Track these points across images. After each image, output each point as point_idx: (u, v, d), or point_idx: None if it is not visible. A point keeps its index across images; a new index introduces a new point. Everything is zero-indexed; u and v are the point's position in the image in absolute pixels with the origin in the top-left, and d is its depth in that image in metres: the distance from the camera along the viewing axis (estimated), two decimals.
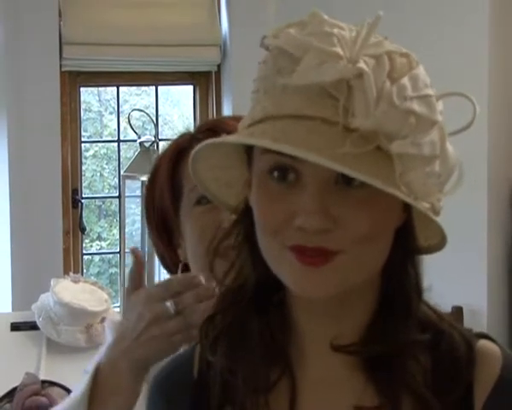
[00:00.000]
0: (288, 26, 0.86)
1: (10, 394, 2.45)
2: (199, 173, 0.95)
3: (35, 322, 2.81)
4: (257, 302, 0.93)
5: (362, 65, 0.80)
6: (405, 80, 0.81)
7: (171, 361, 1.04)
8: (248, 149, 0.90)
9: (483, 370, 0.91)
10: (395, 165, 0.80)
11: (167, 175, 1.39)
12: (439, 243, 0.91)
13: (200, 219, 1.35)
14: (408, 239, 0.89)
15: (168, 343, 1.20)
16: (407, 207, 0.87)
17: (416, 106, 0.81)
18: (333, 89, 0.81)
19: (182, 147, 1.39)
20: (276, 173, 0.85)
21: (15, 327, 2.85)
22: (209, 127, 1.39)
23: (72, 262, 4.11)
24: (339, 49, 0.81)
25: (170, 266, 1.46)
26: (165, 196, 1.39)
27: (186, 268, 1.40)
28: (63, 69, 4.04)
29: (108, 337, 1.37)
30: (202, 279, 1.21)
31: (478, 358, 0.91)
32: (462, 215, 2.84)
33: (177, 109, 5.22)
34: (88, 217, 4.29)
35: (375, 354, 0.90)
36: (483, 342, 0.93)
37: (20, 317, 2.91)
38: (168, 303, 1.21)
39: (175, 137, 1.50)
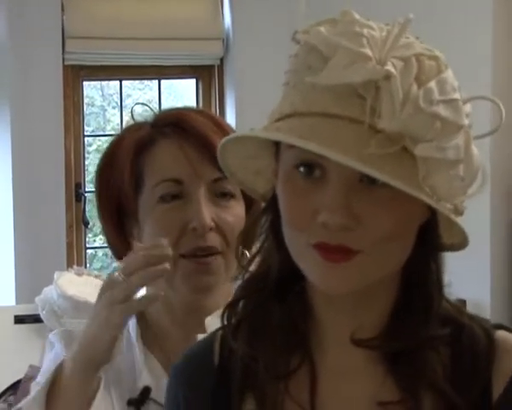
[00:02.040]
0: (319, 24, 0.86)
1: (14, 386, 2.46)
2: (226, 160, 0.96)
3: (39, 315, 2.81)
4: (279, 290, 0.94)
5: (390, 67, 0.80)
6: (432, 84, 0.82)
7: (192, 349, 1.04)
8: (277, 141, 0.90)
9: (501, 361, 0.92)
10: (419, 167, 0.81)
11: (129, 166, 1.33)
12: (462, 242, 0.91)
13: (163, 218, 1.31)
14: (431, 236, 0.90)
15: (107, 314, 1.18)
16: (431, 205, 0.87)
17: (442, 110, 0.81)
18: (361, 89, 0.82)
19: (143, 140, 1.34)
20: (302, 169, 0.86)
21: (19, 320, 2.86)
22: (175, 122, 1.34)
23: (76, 256, 4.13)
24: (368, 50, 0.82)
25: (121, 256, 1.38)
26: (125, 185, 1.33)
27: None
28: (66, 63, 4.06)
29: (57, 347, 1.37)
30: (164, 242, 1.19)
31: (496, 350, 0.92)
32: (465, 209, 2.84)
33: (179, 103, 5.22)
34: (91, 211, 4.29)
35: (395, 350, 0.91)
36: (501, 333, 0.94)
37: (23, 310, 2.92)
38: (116, 273, 1.19)
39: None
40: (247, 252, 1.33)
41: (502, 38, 3.44)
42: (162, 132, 1.33)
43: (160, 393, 1.29)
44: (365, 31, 0.84)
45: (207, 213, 1.29)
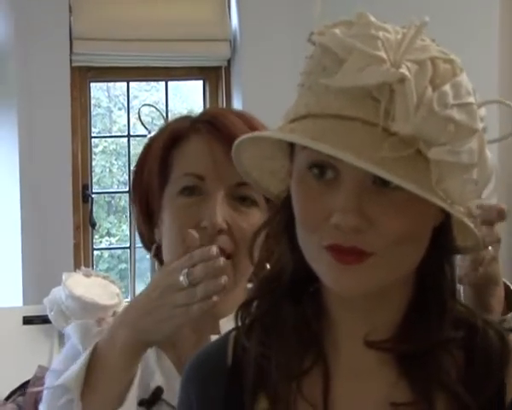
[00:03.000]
0: (334, 25, 0.87)
1: (23, 387, 2.46)
2: (241, 160, 0.96)
3: (47, 316, 2.83)
4: (293, 291, 0.95)
5: (404, 70, 0.81)
6: (447, 87, 0.82)
7: (205, 349, 1.05)
8: (292, 142, 0.91)
9: None
10: (432, 171, 0.81)
11: (159, 157, 1.35)
12: (475, 245, 0.91)
13: (180, 211, 1.32)
14: (445, 238, 0.90)
15: (170, 315, 1.19)
16: (445, 209, 0.87)
17: (456, 114, 0.81)
18: (375, 91, 0.82)
19: (178, 132, 1.36)
20: (315, 170, 0.86)
21: (28, 321, 2.87)
22: (209, 119, 1.35)
23: (83, 257, 4.13)
24: (382, 53, 0.82)
25: (147, 244, 1.44)
26: (153, 176, 1.36)
27: (158, 251, 1.39)
28: (73, 64, 4.06)
29: (74, 339, 1.37)
30: (214, 250, 1.20)
31: (510, 352, 0.92)
32: None
33: (186, 104, 5.23)
34: (97, 213, 4.31)
35: (408, 352, 0.91)
36: None
37: (32, 311, 2.93)
38: (182, 275, 1.20)
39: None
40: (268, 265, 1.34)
41: (509, 39, 3.44)
42: (195, 128, 1.35)
43: (171, 394, 1.30)
44: (380, 33, 0.84)
45: (221, 213, 1.29)
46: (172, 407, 1.29)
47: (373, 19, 0.85)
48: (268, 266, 1.00)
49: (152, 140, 1.41)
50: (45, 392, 1.33)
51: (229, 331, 1.02)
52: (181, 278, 1.19)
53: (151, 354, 1.34)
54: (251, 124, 1.35)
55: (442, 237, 0.90)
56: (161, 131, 1.41)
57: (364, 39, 0.83)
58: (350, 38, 0.84)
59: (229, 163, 1.27)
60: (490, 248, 1.28)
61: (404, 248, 0.85)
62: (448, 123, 0.81)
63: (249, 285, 1.41)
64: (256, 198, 1.32)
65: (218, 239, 1.29)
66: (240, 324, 0.99)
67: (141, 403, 1.30)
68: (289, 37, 4.05)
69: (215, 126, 1.33)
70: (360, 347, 0.93)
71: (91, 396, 1.22)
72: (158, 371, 1.34)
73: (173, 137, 1.35)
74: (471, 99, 0.83)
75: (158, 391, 1.31)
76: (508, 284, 1.40)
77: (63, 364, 1.35)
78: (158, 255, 1.40)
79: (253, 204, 1.32)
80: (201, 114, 1.40)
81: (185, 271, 1.19)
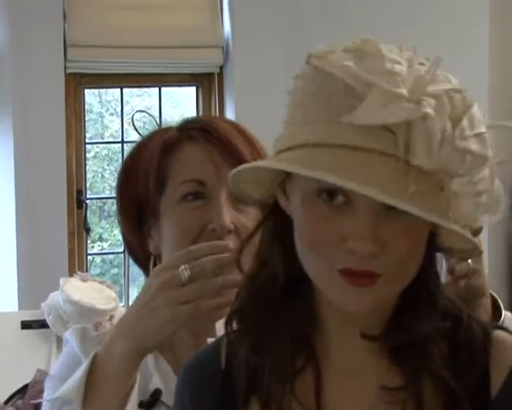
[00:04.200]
0: (332, 51, 0.87)
1: (22, 390, 2.49)
2: (237, 181, 0.96)
3: (45, 320, 2.85)
4: (284, 293, 0.96)
5: (428, 109, 0.82)
6: (465, 121, 0.83)
7: (199, 353, 1.06)
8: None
9: (499, 358, 0.95)
10: (452, 200, 0.84)
11: (155, 165, 1.36)
12: (472, 250, 0.93)
13: (184, 217, 1.33)
14: (432, 239, 0.92)
15: (171, 314, 1.17)
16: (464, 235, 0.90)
17: (472, 145, 0.84)
18: (392, 124, 0.83)
19: (170, 141, 1.37)
20: (324, 194, 0.87)
21: (26, 325, 2.89)
22: (202, 127, 1.37)
23: (77, 262, 4.14)
24: (403, 90, 0.83)
25: (138, 256, 1.43)
26: (149, 185, 1.36)
27: (146, 261, 1.40)
28: (68, 71, 4.07)
29: (72, 344, 1.37)
30: (231, 244, 1.20)
31: (494, 346, 0.95)
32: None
33: (179, 110, 5.25)
34: (89, 218, 4.31)
35: (400, 344, 0.93)
36: (499, 332, 0.97)
37: (30, 315, 2.95)
38: (181, 268, 1.19)
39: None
40: None
41: (498, 37, 3.46)
42: (189, 135, 1.36)
43: (170, 396, 1.28)
44: (396, 67, 0.84)
45: (228, 215, 1.31)
46: (171, 409, 1.29)
47: (382, 47, 0.86)
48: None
49: (138, 152, 1.41)
50: (45, 404, 1.33)
51: (223, 335, 1.03)
52: (181, 273, 1.18)
53: (149, 356, 1.34)
54: (240, 129, 1.38)
55: (432, 241, 0.92)
56: (146, 141, 1.41)
57: (382, 75, 0.84)
58: (367, 73, 0.84)
59: (227, 166, 1.30)
60: (469, 261, 1.29)
61: (406, 266, 0.89)
62: (466, 154, 0.83)
63: None
64: None
65: (227, 240, 1.29)
66: (230, 330, 1.00)
67: (140, 405, 1.31)
68: (282, 43, 4.09)
69: (209, 133, 1.35)
70: (351, 344, 0.95)
71: (92, 407, 1.22)
72: (156, 374, 1.35)
73: (166, 147, 1.36)
74: (483, 128, 0.85)
75: (156, 393, 1.32)
76: (494, 295, 1.41)
77: (62, 370, 1.36)
78: (145, 265, 1.41)
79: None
80: (189, 122, 1.41)
81: (184, 266, 1.18)
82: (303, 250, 0.91)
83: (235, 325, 1.00)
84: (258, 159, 1.31)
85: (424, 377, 0.93)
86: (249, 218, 1.33)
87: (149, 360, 1.35)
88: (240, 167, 0.93)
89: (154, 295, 1.19)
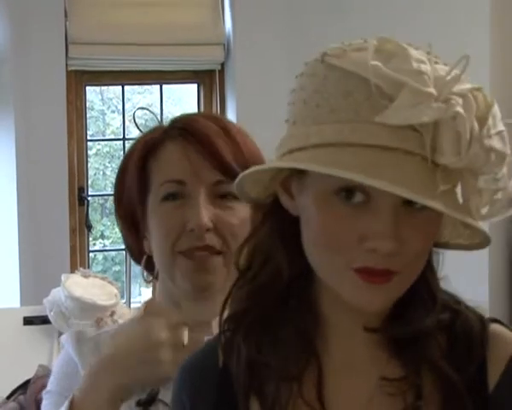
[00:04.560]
0: (352, 48, 0.87)
1: (24, 386, 2.49)
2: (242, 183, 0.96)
3: (47, 316, 2.87)
4: (285, 291, 0.96)
5: (458, 108, 0.82)
6: (490, 120, 0.84)
7: (197, 352, 1.06)
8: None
9: (496, 351, 0.96)
10: (477, 198, 0.85)
11: (136, 168, 1.37)
12: (482, 242, 0.94)
13: (165, 217, 1.34)
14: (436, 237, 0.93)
15: (174, 372, 1.17)
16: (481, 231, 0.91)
17: (496, 143, 0.85)
18: (420, 124, 0.84)
19: (152, 142, 1.38)
20: (343, 193, 0.87)
21: (28, 321, 2.91)
22: (182, 126, 1.37)
23: (79, 259, 4.16)
24: (432, 89, 0.83)
25: (136, 257, 1.45)
26: (133, 189, 1.38)
27: (149, 261, 1.41)
28: (69, 68, 4.08)
29: (68, 348, 1.39)
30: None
31: (491, 339, 0.96)
32: None
33: (180, 108, 5.25)
34: (91, 215, 4.32)
35: (400, 336, 0.94)
36: (496, 326, 0.98)
37: (32, 311, 2.97)
38: (185, 332, 1.25)
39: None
40: None
41: (499, 37, 3.47)
42: (169, 135, 1.37)
43: (168, 393, 1.28)
44: (423, 67, 0.84)
45: (205, 214, 1.31)
46: (169, 407, 1.28)
47: (405, 46, 0.86)
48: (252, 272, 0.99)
49: (128, 154, 1.42)
50: None
51: (219, 333, 1.02)
52: (184, 336, 1.24)
53: None
54: (223, 125, 1.38)
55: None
56: (135, 143, 1.42)
57: (411, 75, 0.84)
58: (396, 73, 0.84)
59: (205, 164, 1.32)
60: None
61: (419, 262, 0.90)
62: (491, 153, 0.84)
63: None
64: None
65: (206, 237, 1.31)
66: (226, 328, 1.00)
67: (138, 404, 1.32)
68: (283, 40, 4.09)
69: (187, 131, 1.35)
70: (352, 340, 0.96)
71: None
72: None
73: (148, 148, 1.37)
74: (502, 126, 0.86)
75: (154, 392, 1.32)
76: None
77: (60, 383, 1.37)
78: (148, 266, 1.42)
79: (235, 199, 1.32)
80: (174, 122, 1.41)
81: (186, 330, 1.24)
82: (316, 249, 0.91)
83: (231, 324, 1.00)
84: (241, 157, 1.32)
85: (423, 369, 0.94)
86: (231, 214, 1.33)
87: None
88: (254, 168, 0.93)
89: (161, 349, 1.24)
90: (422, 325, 0.94)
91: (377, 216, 0.86)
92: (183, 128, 1.36)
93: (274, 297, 0.97)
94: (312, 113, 0.88)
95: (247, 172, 0.93)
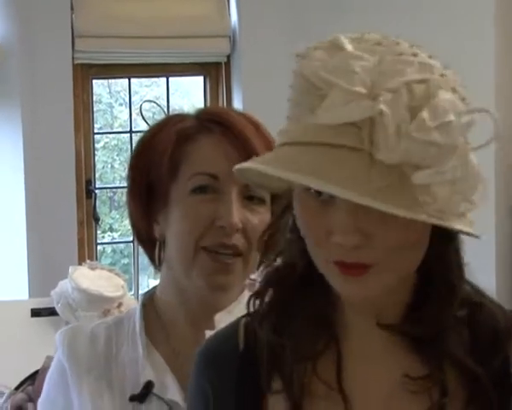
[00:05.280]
0: (316, 48, 0.89)
1: (32, 377, 2.51)
2: (243, 172, 0.98)
3: (54, 308, 2.87)
4: (303, 277, 0.98)
5: (382, 105, 0.83)
6: (425, 113, 0.83)
7: (217, 335, 1.08)
8: None
9: None
10: (418, 193, 0.83)
11: (170, 151, 1.35)
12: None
13: (193, 209, 1.32)
14: (444, 229, 0.91)
15: None
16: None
17: (436, 136, 0.83)
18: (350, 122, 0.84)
19: (186, 131, 1.36)
20: (312, 190, 0.89)
21: (35, 313, 2.92)
22: (220, 120, 1.36)
23: (87, 252, 4.18)
24: (361, 88, 0.84)
25: (143, 239, 1.43)
26: (163, 169, 1.35)
27: (152, 245, 1.40)
28: (76, 62, 4.09)
29: (59, 352, 1.39)
30: None
31: None
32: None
33: (187, 100, 5.27)
34: (99, 208, 4.34)
35: (419, 335, 0.94)
36: None
37: (39, 303, 2.97)
38: None
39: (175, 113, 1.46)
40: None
41: (504, 39, 3.46)
42: (206, 127, 1.35)
43: (163, 388, 1.33)
44: (357, 66, 0.85)
45: (237, 213, 1.31)
46: (163, 401, 1.32)
47: (349, 46, 0.87)
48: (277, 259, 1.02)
49: (153, 135, 1.40)
50: None
51: (239, 318, 1.04)
52: None
53: (141, 351, 1.36)
54: (256, 125, 1.38)
55: (441, 229, 0.91)
56: (163, 125, 1.40)
57: (343, 74, 0.85)
58: (328, 74, 0.86)
59: (241, 162, 1.33)
60: None
61: (404, 253, 0.89)
62: (429, 147, 0.83)
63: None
64: (264, 196, 1.34)
65: (233, 237, 1.31)
66: (252, 311, 1.02)
67: (132, 399, 1.32)
68: (288, 32, 4.09)
69: (225, 127, 1.34)
70: (370, 330, 0.96)
71: None
72: (148, 366, 1.35)
73: (182, 136, 1.36)
74: (449, 117, 0.84)
75: (148, 385, 1.33)
76: None
77: (49, 396, 1.39)
78: (152, 250, 1.41)
79: (261, 202, 1.34)
80: (206, 114, 1.40)
81: None
82: (306, 242, 0.93)
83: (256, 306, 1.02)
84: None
85: (446, 365, 0.94)
86: (258, 217, 1.33)
87: (140, 354, 1.36)
88: (238, 166, 0.95)
89: None
90: (440, 324, 0.94)
91: (339, 211, 0.87)
92: (218, 123, 1.35)
93: (291, 284, 0.99)
94: (288, 111, 0.92)
95: (238, 167, 0.96)
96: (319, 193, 0.89)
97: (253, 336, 1.00)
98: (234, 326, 1.04)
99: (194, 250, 1.31)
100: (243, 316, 1.03)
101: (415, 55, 0.87)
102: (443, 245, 0.94)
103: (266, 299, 1.01)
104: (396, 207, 0.82)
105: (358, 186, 0.83)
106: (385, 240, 0.87)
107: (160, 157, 1.36)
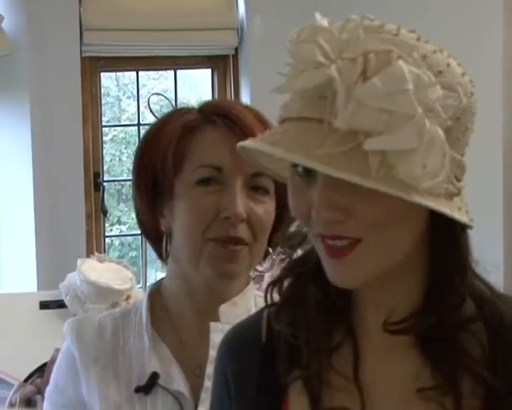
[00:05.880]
0: (301, 29, 0.91)
1: (41, 369, 2.52)
2: (248, 151, 0.98)
3: (63, 300, 2.89)
4: (319, 271, 0.97)
5: (331, 70, 0.84)
6: (376, 79, 0.83)
7: (240, 325, 1.08)
8: None
9: None
10: (370, 160, 0.83)
11: (173, 147, 1.36)
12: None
13: (198, 201, 1.34)
14: (443, 218, 0.90)
15: None
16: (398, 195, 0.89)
17: (388, 104, 0.82)
18: (326, 91, 0.85)
19: (191, 123, 1.37)
20: (299, 168, 0.91)
21: (44, 305, 2.93)
22: (224, 113, 1.37)
23: (95, 244, 4.19)
24: (318, 57, 0.85)
25: (149, 234, 1.44)
26: (167, 162, 1.36)
27: (159, 239, 1.41)
28: (84, 55, 4.10)
29: (67, 341, 1.41)
30: None
31: None
32: (477, 195, 2.87)
33: (194, 93, 5.26)
34: (107, 201, 4.34)
35: (426, 332, 0.94)
36: None
37: (48, 296, 2.99)
38: None
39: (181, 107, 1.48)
40: (270, 249, 1.39)
41: None
42: (210, 120, 1.36)
43: (169, 379, 1.34)
44: (320, 38, 0.86)
45: (241, 204, 1.32)
46: (169, 392, 1.33)
47: (323, 22, 0.89)
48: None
49: (157, 129, 1.41)
50: None
51: (262, 309, 1.05)
52: None
53: (147, 342, 1.37)
54: (259, 117, 1.39)
55: (439, 218, 0.90)
56: (168, 119, 1.41)
57: (305, 45, 0.87)
58: (295, 45, 0.88)
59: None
60: None
61: (389, 232, 0.88)
62: (380, 113, 0.82)
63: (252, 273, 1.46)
64: (268, 187, 1.35)
65: (238, 228, 1.32)
66: (270, 303, 1.02)
67: (137, 390, 1.34)
68: (296, 25, 4.08)
69: (230, 119, 1.35)
70: (381, 335, 0.96)
71: None
72: (154, 358, 1.36)
73: (187, 129, 1.37)
74: (405, 86, 0.83)
75: (154, 376, 1.34)
76: None
77: (58, 383, 1.40)
78: (159, 243, 1.42)
79: (265, 193, 1.35)
80: (210, 107, 1.41)
81: None
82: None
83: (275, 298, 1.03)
84: None
85: (461, 374, 0.93)
86: (262, 207, 1.34)
87: (146, 343, 1.37)
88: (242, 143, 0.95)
89: None
90: (448, 322, 0.93)
91: (316, 188, 0.89)
92: (223, 115, 1.36)
93: (307, 274, 1.00)
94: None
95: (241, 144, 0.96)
96: (306, 173, 0.90)
97: (273, 327, 1.01)
98: (257, 317, 1.05)
99: (201, 241, 1.33)
100: (266, 307, 1.04)
101: (396, 34, 0.87)
102: (444, 238, 0.93)
103: (283, 291, 1.02)
104: (349, 174, 0.83)
105: (309, 151, 0.84)
106: (365, 214, 0.87)
107: (164, 151, 1.37)
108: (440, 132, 0.85)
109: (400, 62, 0.84)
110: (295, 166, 0.91)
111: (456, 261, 0.94)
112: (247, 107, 1.44)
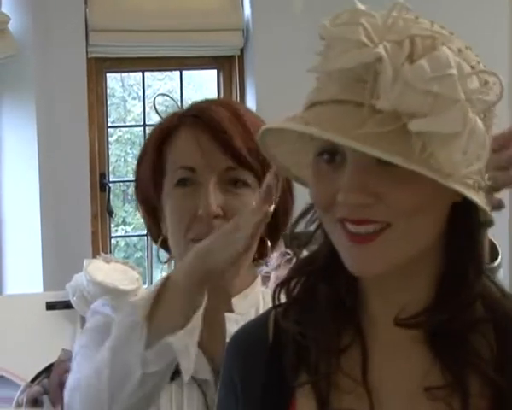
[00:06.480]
0: (337, 17, 0.90)
1: (47, 370, 2.53)
2: (277, 159, 0.99)
3: (69, 301, 2.89)
4: (327, 271, 0.98)
5: (379, 50, 0.84)
6: (423, 62, 0.83)
7: (248, 325, 1.09)
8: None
9: None
10: (414, 142, 0.83)
11: (152, 153, 1.40)
12: (487, 219, 0.93)
13: (177, 203, 1.36)
14: (465, 214, 0.91)
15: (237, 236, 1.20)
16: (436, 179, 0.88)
17: (434, 86, 0.82)
18: (364, 74, 0.85)
19: (168, 128, 1.40)
20: (325, 155, 0.91)
21: (51, 306, 2.93)
22: (195, 113, 1.39)
23: (101, 245, 4.19)
24: (362, 37, 0.85)
25: (155, 238, 1.47)
26: (148, 173, 1.41)
27: (165, 243, 1.43)
28: (89, 55, 4.11)
29: (105, 311, 1.41)
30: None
31: None
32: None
33: (200, 94, 5.26)
34: (113, 202, 4.35)
35: (437, 327, 0.93)
36: None
37: (54, 296, 2.99)
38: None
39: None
40: (269, 241, 1.39)
41: None
42: (183, 122, 1.39)
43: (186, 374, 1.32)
44: (363, 19, 0.87)
45: (214, 201, 1.32)
46: (193, 379, 1.33)
47: (361, 7, 0.89)
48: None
49: (147, 141, 1.45)
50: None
51: (270, 309, 1.05)
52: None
53: None
54: (233, 109, 1.39)
55: (462, 213, 0.91)
56: (153, 129, 1.44)
57: (347, 27, 0.87)
58: (334, 27, 0.88)
59: (216, 152, 1.33)
60: None
61: (416, 220, 0.88)
62: (426, 96, 0.83)
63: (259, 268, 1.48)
64: (247, 180, 1.36)
65: (214, 225, 1.32)
66: (277, 303, 1.02)
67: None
68: (301, 25, 4.09)
69: (199, 118, 1.37)
70: (394, 328, 0.95)
71: (157, 311, 1.23)
72: None
73: (164, 134, 1.40)
74: (451, 71, 0.84)
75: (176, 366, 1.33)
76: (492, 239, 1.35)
77: (95, 339, 1.39)
78: (164, 247, 1.44)
79: (244, 185, 1.36)
80: (188, 109, 1.43)
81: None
82: (318, 212, 0.95)
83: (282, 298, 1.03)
84: (251, 143, 1.31)
85: (469, 374, 0.93)
86: (240, 200, 1.35)
87: None
88: (258, 136, 0.96)
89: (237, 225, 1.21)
90: (459, 318, 0.93)
91: (346, 171, 0.89)
92: (195, 115, 1.38)
93: (316, 274, 0.99)
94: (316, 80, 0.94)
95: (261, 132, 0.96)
96: (332, 159, 0.90)
97: (281, 327, 1.01)
98: (264, 317, 1.05)
99: (184, 243, 1.35)
100: (274, 307, 1.04)
101: (431, 26, 0.88)
102: (464, 234, 0.93)
103: (291, 290, 1.02)
104: (389, 154, 0.82)
105: (347, 132, 0.84)
106: (396, 201, 0.87)
107: (149, 159, 1.41)
108: (480, 123, 0.86)
109: (445, 48, 0.85)
110: (320, 154, 0.91)
111: (472, 256, 0.94)
112: (223, 103, 1.47)
